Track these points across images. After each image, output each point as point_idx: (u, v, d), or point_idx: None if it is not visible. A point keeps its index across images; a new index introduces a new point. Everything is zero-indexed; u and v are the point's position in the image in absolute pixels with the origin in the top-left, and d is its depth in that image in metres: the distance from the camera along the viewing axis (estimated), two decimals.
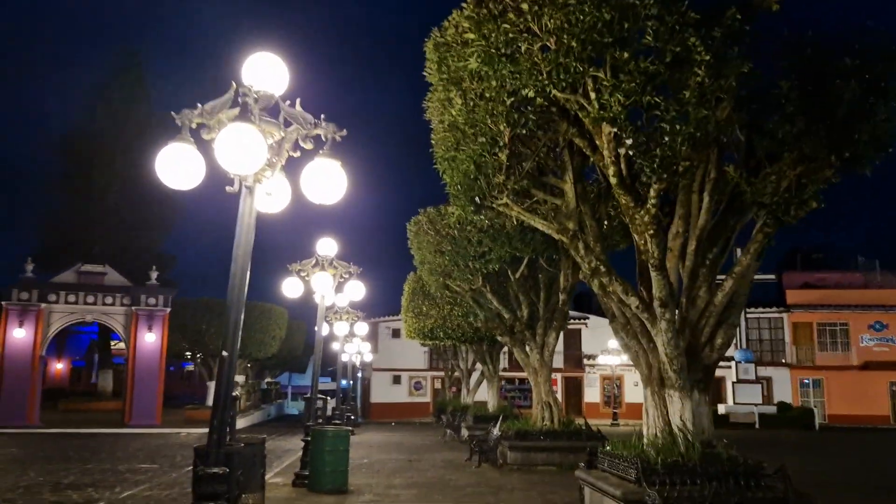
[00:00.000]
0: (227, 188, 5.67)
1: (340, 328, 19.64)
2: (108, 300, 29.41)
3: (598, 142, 7.73)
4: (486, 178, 8.52)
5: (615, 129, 7.08)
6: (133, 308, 29.38)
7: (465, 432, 24.00)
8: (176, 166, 5.47)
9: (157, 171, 5.50)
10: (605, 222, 10.62)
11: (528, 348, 17.62)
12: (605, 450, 10.21)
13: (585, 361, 43.53)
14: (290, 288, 12.81)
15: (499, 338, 18.92)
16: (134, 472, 15.85)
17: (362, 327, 21.16)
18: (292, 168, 6.12)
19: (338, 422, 19.74)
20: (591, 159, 8.28)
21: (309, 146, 5.80)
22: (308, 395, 14.60)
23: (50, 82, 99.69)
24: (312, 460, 12.37)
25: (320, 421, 14.97)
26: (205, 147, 5.62)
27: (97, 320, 30.16)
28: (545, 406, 17.06)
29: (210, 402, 35.32)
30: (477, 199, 8.82)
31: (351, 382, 36.93)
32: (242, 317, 5.54)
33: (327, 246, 13.31)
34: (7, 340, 27.91)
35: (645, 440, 9.43)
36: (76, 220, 37.28)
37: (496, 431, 16.90)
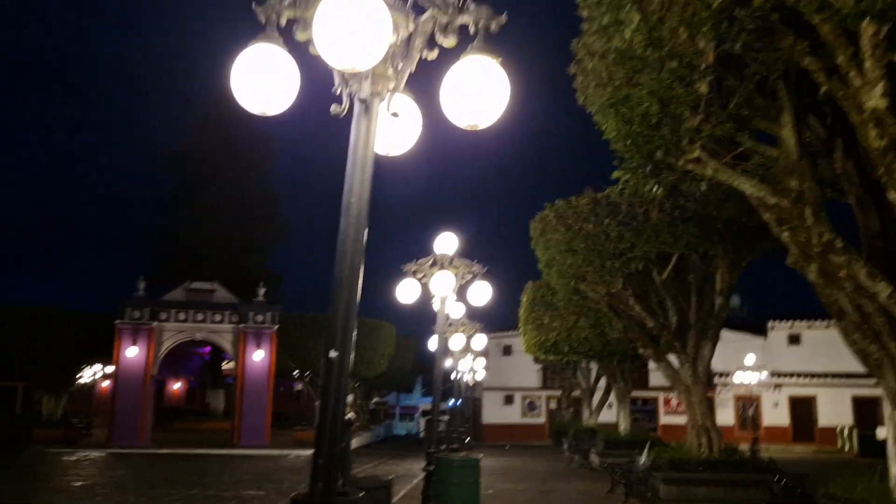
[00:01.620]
0: (333, 108, 3.80)
1: (456, 341, 17.66)
2: (217, 318, 28.85)
3: (840, 59, 5.42)
4: (674, 123, 6.36)
5: (884, 28, 4.78)
6: (241, 325, 28.68)
7: (595, 459, 21.48)
8: (259, 79, 3.65)
9: (232, 88, 3.69)
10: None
11: (677, 362, 15.08)
12: (829, 493, 7.69)
13: (717, 379, 39.73)
14: (405, 292, 10.97)
15: (641, 350, 16.44)
16: (240, 500, 14.45)
17: (480, 340, 19.11)
18: (421, 86, 4.21)
19: (455, 445, 17.75)
20: (823, 89, 5.95)
21: (450, 42, 3.84)
22: (430, 416, 12.65)
23: (160, 102, 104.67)
24: (436, 494, 10.39)
25: (443, 447, 13.00)
26: (299, 54, 3.80)
27: (206, 339, 29.69)
28: (702, 431, 14.43)
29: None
30: (658, 153, 6.64)
31: (459, 402, 35.15)
32: (358, 296, 3.63)
33: (446, 242, 11.39)
34: (120, 360, 27.76)
35: (894, 483, 6.85)
36: (185, 239, 37.49)
37: (644, 460, 14.42)
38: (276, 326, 28.92)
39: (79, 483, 16.94)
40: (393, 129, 4.12)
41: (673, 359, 15.53)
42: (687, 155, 6.61)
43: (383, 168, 3.82)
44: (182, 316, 28.59)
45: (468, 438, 27.98)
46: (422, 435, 41.05)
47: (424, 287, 11.46)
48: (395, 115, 3.83)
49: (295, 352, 30.81)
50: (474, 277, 11.68)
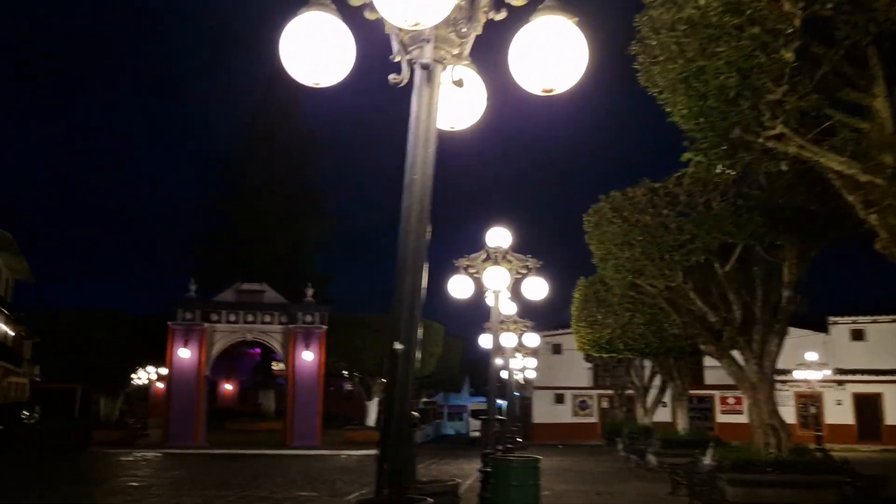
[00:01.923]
0: (392, 77, 3.48)
1: (507, 339, 17.26)
2: (267, 318, 29.02)
3: None
4: (754, 96, 5.86)
5: None
6: (290, 326, 28.78)
7: (652, 459, 20.83)
8: (311, 49, 3.35)
9: (282, 57, 3.40)
10: None
11: (740, 359, 14.41)
12: None
13: (776, 377, 38.35)
14: (458, 287, 10.66)
15: (702, 347, 15.78)
16: (292, 502, 14.31)
17: (532, 338, 18.69)
18: (486, 51, 3.87)
19: (509, 445, 17.35)
20: None
21: (519, 1, 3.49)
22: (485, 416, 12.30)
23: (208, 105, 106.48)
24: (495, 496, 10.03)
25: (500, 448, 12.64)
26: (355, 22, 3.49)
27: (257, 339, 29.91)
28: (769, 430, 13.74)
29: (371, 421, 34.17)
30: (735, 131, 6.13)
31: (508, 402, 34.74)
32: (425, 281, 3.30)
33: (499, 236, 11.06)
34: (174, 360, 28.10)
35: None
36: (234, 241, 37.90)
37: (708, 461, 13.81)
38: (325, 327, 28.93)
39: (135, 483, 17.06)
40: (455, 102, 3.79)
41: (736, 355, 14.87)
42: (768, 131, 6.08)
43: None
44: (232, 317, 28.82)
45: (519, 439, 27.52)
46: (472, 434, 40.72)
47: (476, 282, 11.15)
48: (458, 83, 3.49)
49: (344, 352, 30.80)
50: (529, 272, 11.31)
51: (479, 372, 54.58)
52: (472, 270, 10.99)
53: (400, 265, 3.23)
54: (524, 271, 11.20)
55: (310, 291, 29.11)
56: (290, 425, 28.12)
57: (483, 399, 54.64)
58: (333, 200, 54.15)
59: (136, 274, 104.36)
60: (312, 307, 29.14)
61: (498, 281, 10.64)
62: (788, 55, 5.54)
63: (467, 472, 20.52)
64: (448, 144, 4.02)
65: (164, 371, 31.44)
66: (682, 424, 21.99)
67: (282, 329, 28.96)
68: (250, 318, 28.94)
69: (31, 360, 45.35)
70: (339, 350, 30.40)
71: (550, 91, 3.38)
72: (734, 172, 7.05)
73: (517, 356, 24.57)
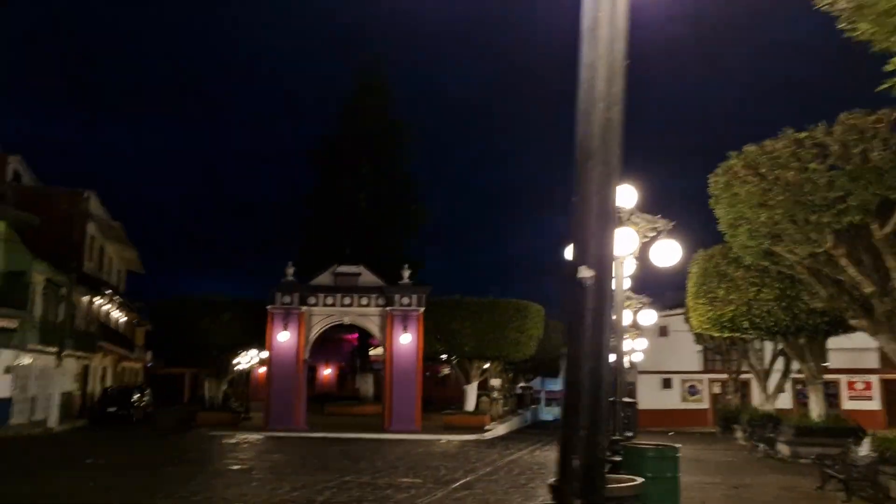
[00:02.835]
0: None
1: (623, 317, 15.82)
2: (364, 301, 28.56)
3: None
4: None
5: None
6: (387, 308, 28.19)
7: (783, 448, 18.94)
8: None
9: None
10: None
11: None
12: None
13: None
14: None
15: (852, 322, 13.86)
16: (395, 489, 13.51)
17: (649, 315, 17.12)
18: None
19: (628, 433, 15.95)
20: None
21: None
22: (613, 398, 10.95)
23: (303, 95, 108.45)
24: None
25: (629, 434, 11.36)
26: None
27: (354, 322, 29.49)
28: None
29: (470, 406, 33.15)
30: None
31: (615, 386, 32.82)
32: (619, 174, 2.16)
33: (624, 194, 9.75)
34: (273, 344, 28.04)
35: None
36: (329, 225, 37.90)
37: (865, 452, 12.04)
38: (422, 309, 28.18)
39: (237, 467, 16.76)
40: None
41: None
42: None
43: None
44: (330, 300, 28.50)
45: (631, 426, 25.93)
46: None
47: None
48: None
49: (441, 336, 29.96)
50: (658, 235, 9.94)
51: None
52: None
53: (582, 148, 2.09)
54: (652, 234, 9.85)
55: (406, 273, 28.42)
56: (389, 409, 27.59)
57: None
58: (425, 185, 53.61)
59: (235, 261, 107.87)
60: (409, 289, 28.44)
61: (625, 244, 9.33)
62: None
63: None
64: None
65: (265, 355, 31.59)
66: (817, 411, 19.83)
67: (379, 312, 28.43)
68: (347, 301, 28.55)
69: (143, 347, 47.29)
70: (436, 333, 29.60)
71: None
72: None
73: (626, 337, 23.00)
